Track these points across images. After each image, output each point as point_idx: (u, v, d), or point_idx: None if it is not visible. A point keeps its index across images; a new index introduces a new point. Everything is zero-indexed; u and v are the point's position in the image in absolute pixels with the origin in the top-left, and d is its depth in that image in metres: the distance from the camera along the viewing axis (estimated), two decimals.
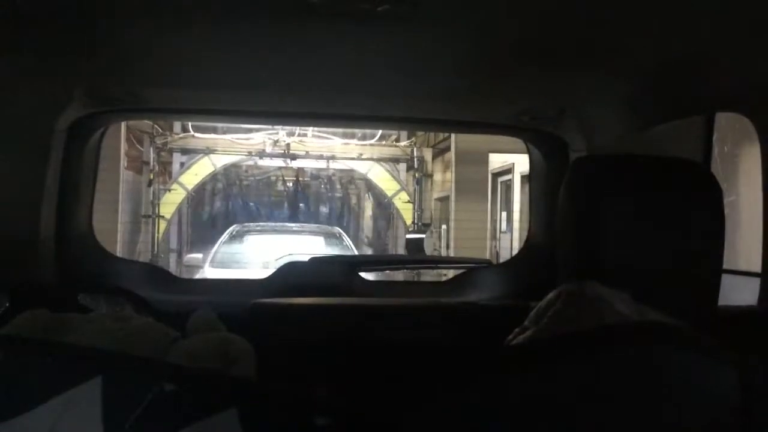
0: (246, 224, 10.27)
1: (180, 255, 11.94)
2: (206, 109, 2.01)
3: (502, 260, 10.62)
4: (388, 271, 3.01)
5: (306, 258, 2.20)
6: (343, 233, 9.32)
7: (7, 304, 1.44)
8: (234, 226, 9.96)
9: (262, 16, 1.32)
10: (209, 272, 7.92)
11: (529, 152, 2.15)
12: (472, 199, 10.61)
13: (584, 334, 0.98)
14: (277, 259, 8.03)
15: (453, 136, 10.47)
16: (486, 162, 10.68)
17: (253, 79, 1.70)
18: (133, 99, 1.79)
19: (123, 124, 9.78)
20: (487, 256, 10.94)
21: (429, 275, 5.86)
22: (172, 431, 1.02)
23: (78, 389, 1.03)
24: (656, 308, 1.04)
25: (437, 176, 11.36)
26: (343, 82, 1.71)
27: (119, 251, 9.62)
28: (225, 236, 9.40)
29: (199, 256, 9.67)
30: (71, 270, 1.86)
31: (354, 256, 2.53)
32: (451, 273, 2.43)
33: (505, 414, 0.92)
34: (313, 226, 10.78)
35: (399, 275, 4.66)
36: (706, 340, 0.94)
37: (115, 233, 9.68)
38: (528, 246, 2.18)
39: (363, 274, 2.18)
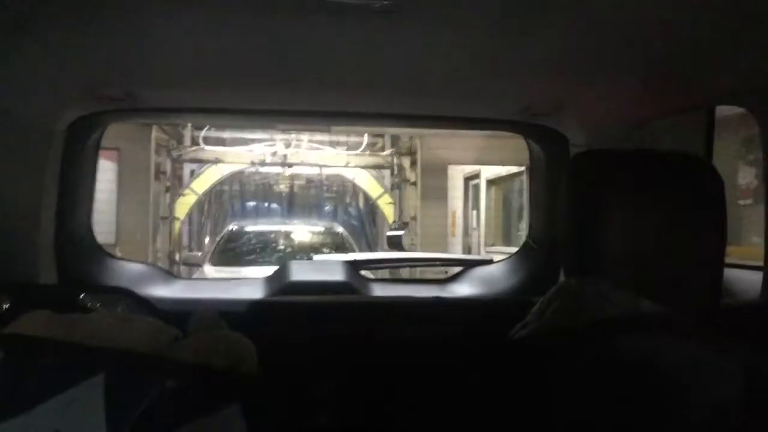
0: (244, 222, 9.30)
1: (191, 251, 11.78)
2: (206, 109, 1.81)
3: (473, 253, 10.71)
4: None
5: (308, 257, 2.03)
6: (342, 229, 8.69)
7: (7, 305, 1.28)
8: (232, 224, 8.86)
9: (260, 15, 1.13)
10: (208, 271, 7.02)
11: (529, 148, 1.92)
12: (435, 202, 10.56)
13: (586, 328, 0.91)
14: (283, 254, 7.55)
15: (419, 149, 10.44)
16: (446, 173, 10.71)
17: (253, 78, 1.49)
18: (132, 99, 1.56)
19: (153, 140, 9.60)
20: (460, 250, 10.97)
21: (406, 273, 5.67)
22: (175, 427, 0.87)
23: (80, 387, 0.89)
24: (658, 303, 0.92)
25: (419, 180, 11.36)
26: (342, 80, 1.50)
27: (150, 245, 9.46)
28: (224, 234, 8.29)
29: (198, 254, 9.13)
30: (71, 270, 1.64)
31: (355, 256, 2.36)
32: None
33: (507, 407, 0.87)
34: (312, 222, 10.30)
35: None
36: (709, 332, 0.88)
37: (147, 232, 9.47)
38: (528, 242, 1.97)
39: (364, 273, 2.00)
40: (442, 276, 2.19)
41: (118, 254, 4.11)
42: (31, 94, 1.42)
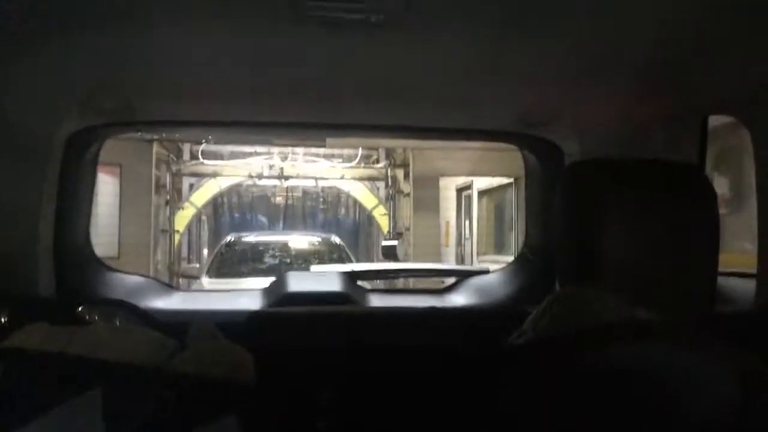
0: (241, 233, 9.06)
1: (190, 263, 11.71)
2: (204, 121, 1.77)
3: (466, 262, 10.68)
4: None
5: (306, 268, 1.99)
6: (339, 240, 8.53)
7: (6, 318, 1.25)
8: (229, 235, 8.61)
9: (258, 28, 1.12)
10: (206, 282, 6.79)
11: (524, 159, 1.89)
12: (428, 213, 10.52)
13: (582, 337, 0.89)
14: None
15: (411, 161, 10.43)
16: (437, 184, 10.68)
17: (250, 90, 1.47)
18: (130, 112, 1.53)
19: (153, 156, 9.58)
20: (454, 259, 10.92)
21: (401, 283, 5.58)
22: None
23: (78, 399, 0.87)
24: (653, 310, 0.91)
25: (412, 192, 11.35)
26: (339, 92, 1.47)
27: (151, 257, 9.43)
28: (221, 246, 8.03)
29: (196, 266, 8.98)
30: (70, 282, 1.60)
31: (353, 267, 2.31)
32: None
33: (503, 417, 0.85)
34: (309, 233, 10.17)
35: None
36: (704, 339, 0.86)
37: (148, 245, 9.48)
38: (524, 252, 1.93)
39: (361, 283, 1.97)
40: (439, 286, 2.16)
41: (122, 267, 4.07)
42: (30, 106, 1.39)
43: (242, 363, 1.12)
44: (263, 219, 15.64)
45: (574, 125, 1.62)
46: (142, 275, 1.90)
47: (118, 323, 1.33)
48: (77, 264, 1.66)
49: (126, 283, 1.79)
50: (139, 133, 7.03)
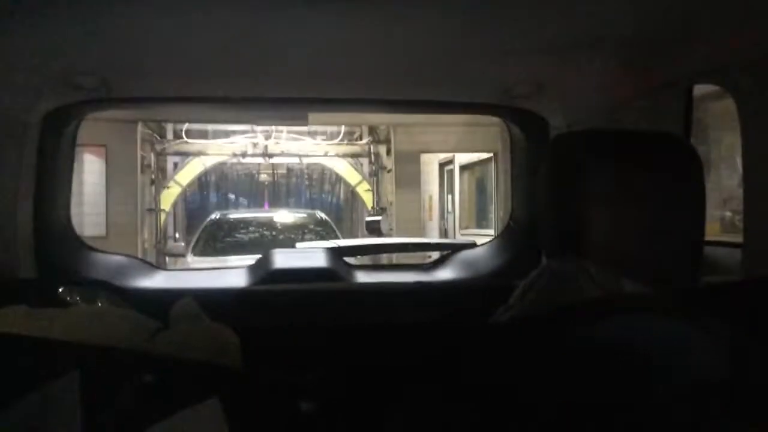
0: (226, 211, 8.94)
1: (176, 241, 11.63)
2: (183, 98, 1.71)
3: (449, 236, 10.69)
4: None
5: (292, 245, 1.95)
6: (325, 215, 8.41)
7: None
8: (214, 213, 8.42)
9: (235, 3, 1.08)
10: (192, 261, 6.68)
11: (509, 131, 1.84)
12: (410, 188, 10.49)
13: (568, 309, 0.87)
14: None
15: (393, 138, 10.36)
16: (419, 160, 10.64)
17: (229, 65, 1.41)
18: (108, 89, 1.47)
19: (138, 137, 9.47)
20: (437, 234, 10.94)
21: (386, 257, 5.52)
22: (152, 423, 0.83)
23: (56, 383, 0.84)
24: (639, 282, 0.92)
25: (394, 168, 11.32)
26: (320, 67, 1.43)
27: (138, 236, 9.38)
28: (206, 224, 7.83)
29: (182, 244, 8.86)
30: (51, 264, 1.55)
31: (338, 243, 2.27)
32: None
33: (490, 392, 0.81)
34: (295, 210, 10.06)
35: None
36: (690, 311, 0.83)
37: (136, 224, 9.39)
38: (510, 225, 1.90)
39: (348, 259, 1.94)
40: (425, 261, 2.14)
41: (110, 246, 4.00)
42: (4, 84, 1.34)
43: (227, 343, 1.09)
44: (248, 196, 15.58)
45: (559, 97, 1.59)
46: (125, 255, 1.85)
47: (99, 304, 1.29)
48: (58, 245, 1.61)
49: (109, 263, 1.74)
50: (123, 113, 6.91)
